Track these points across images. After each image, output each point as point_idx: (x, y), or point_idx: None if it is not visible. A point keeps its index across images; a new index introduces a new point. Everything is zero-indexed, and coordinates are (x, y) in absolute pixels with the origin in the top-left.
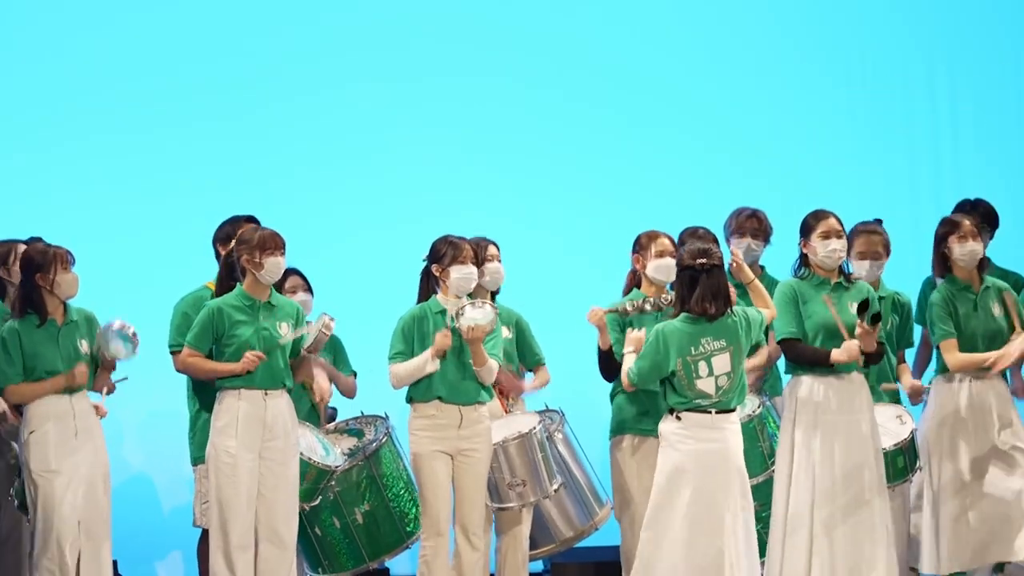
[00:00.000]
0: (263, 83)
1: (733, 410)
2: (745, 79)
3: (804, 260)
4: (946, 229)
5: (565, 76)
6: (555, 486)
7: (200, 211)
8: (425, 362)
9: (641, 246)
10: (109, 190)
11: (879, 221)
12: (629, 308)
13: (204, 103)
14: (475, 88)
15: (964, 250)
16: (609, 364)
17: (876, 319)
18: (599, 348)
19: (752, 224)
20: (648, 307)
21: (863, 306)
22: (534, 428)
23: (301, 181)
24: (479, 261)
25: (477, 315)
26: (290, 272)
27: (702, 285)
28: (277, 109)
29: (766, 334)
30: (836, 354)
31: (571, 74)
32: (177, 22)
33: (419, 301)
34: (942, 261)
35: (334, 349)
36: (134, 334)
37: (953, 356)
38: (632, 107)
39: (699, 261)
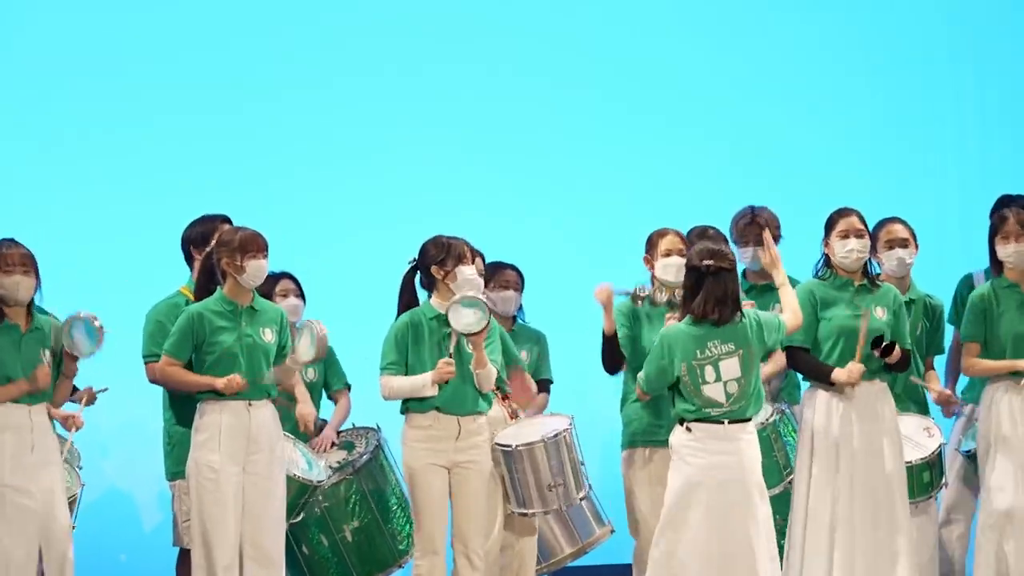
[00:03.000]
0: (252, 80)
1: (748, 419)
2: (758, 70)
3: (826, 260)
4: (993, 226)
5: (568, 71)
6: (582, 493)
7: (181, 213)
8: (423, 386)
9: (651, 245)
10: (84, 191)
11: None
12: (640, 293)
13: (189, 99)
14: (475, 84)
15: (1007, 251)
16: (612, 353)
17: (889, 349)
18: (603, 333)
19: (755, 231)
20: (659, 297)
21: (877, 341)
22: (570, 427)
23: (291, 181)
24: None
25: (470, 316)
26: (282, 276)
27: (706, 288)
28: (267, 107)
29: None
30: (837, 374)
31: (574, 68)
32: (164, 16)
33: (401, 308)
34: (995, 259)
35: (325, 361)
36: (100, 327)
37: (968, 360)
38: (641, 101)
39: (705, 262)
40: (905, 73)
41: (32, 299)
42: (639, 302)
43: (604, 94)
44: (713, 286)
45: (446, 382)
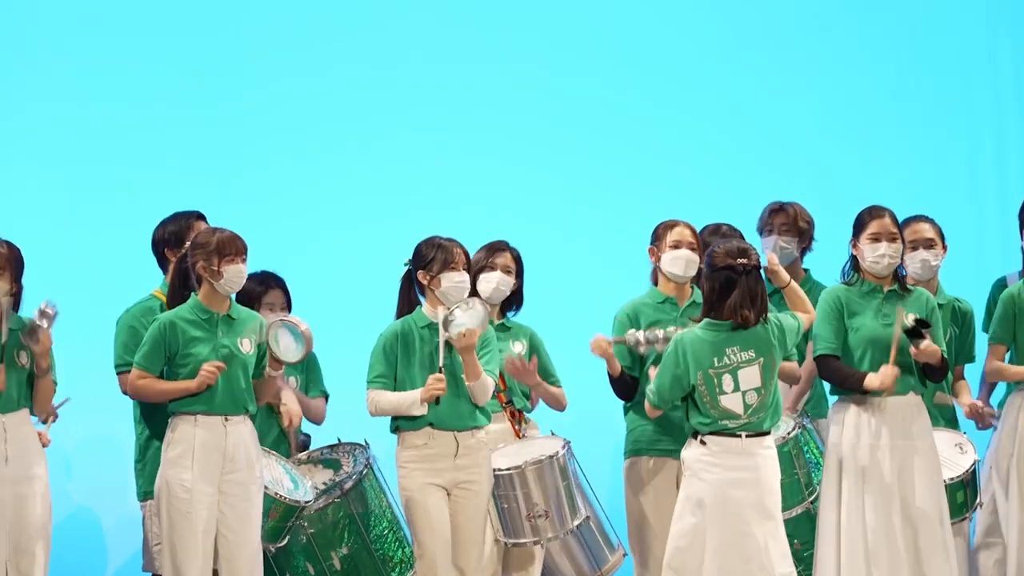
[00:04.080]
0: (229, 70)
1: (767, 432)
2: (779, 62)
3: (854, 263)
4: None
5: (574, 56)
6: (577, 521)
7: (153, 210)
8: (411, 403)
9: (657, 237)
10: (44, 181)
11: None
12: (641, 340)
13: (163, 90)
14: (473, 70)
15: None
16: (623, 386)
17: (921, 326)
18: (609, 375)
19: (780, 219)
20: (659, 346)
21: (912, 331)
22: (559, 452)
23: (274, 176)
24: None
25: (467, 319)
26: (272, 285)
27: (740, 288)
28: (247, 96)
29: (804, 343)
30: (870, 380)
31: (581, 54)
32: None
33: (399, 314)
34: None
35: (306, 366)
36: (52, 311)
37: (991, 362)
38: (654, 92)
39: (740, 261)
40: (940, 67)
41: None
42: (634, 348)
43: (618, 81)
44: (746, 286)
45: (436, 400)
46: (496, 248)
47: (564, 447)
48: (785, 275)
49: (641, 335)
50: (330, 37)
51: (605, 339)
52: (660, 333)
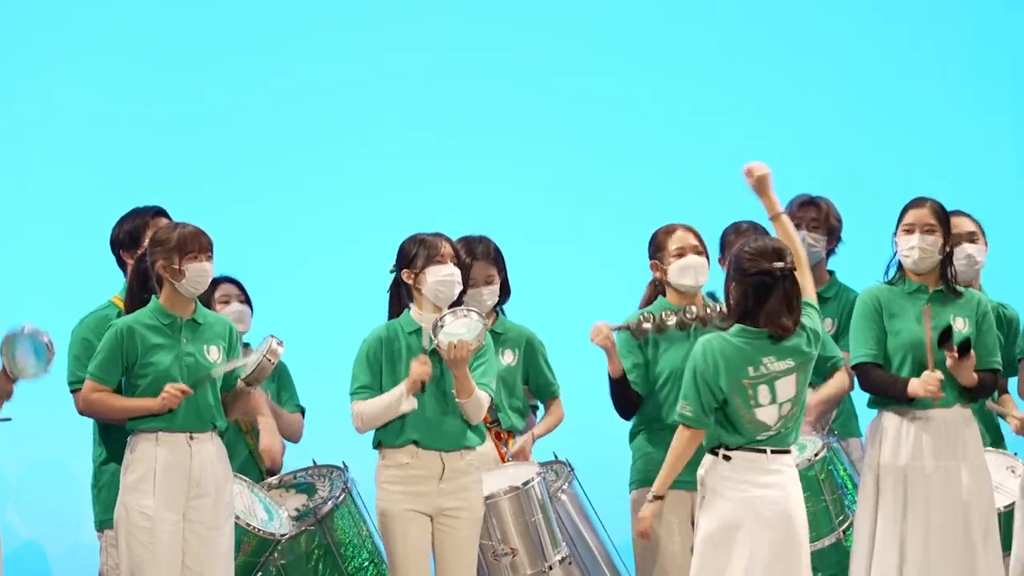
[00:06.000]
0: (209, 66)
1: (788, 450)
2: (802, 49)
3: (900, 260)
4: None
5: (574, 49)
6: (558, 556)
7: (112, 213)
8: (398, 399)
9: (658, 246)
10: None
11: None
12: (644, 325)
13: (138, 86)
14: (462, 63)
15: None
16: (624, 396)
17: (966, 347)
18: (609, 377)
19: (811, 213)
20: (670, 322)
21: (946, 333)
22: (532, 481)
23: (257, 176)
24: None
25: (459, 328)
26: (221, 280)
27: (777, 295)
28: (212, 96)
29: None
30: (913, 386)
31: (582, 46)
32: None
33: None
34: None
35: (278, 378)
36: (49, 343)
37: None
38: (659, 84)
39: (776, 265)
40: (984, 58)
41: None
42: (641, 335)
43: (620, 74)
44: (783, 291)
45: (423, 388)
46: (474, 254)
47: (539, 475)
48: (775, 201)
49: (644, 319)
50: (324, 35)
51: (607, 325)
52: (672, 320)
